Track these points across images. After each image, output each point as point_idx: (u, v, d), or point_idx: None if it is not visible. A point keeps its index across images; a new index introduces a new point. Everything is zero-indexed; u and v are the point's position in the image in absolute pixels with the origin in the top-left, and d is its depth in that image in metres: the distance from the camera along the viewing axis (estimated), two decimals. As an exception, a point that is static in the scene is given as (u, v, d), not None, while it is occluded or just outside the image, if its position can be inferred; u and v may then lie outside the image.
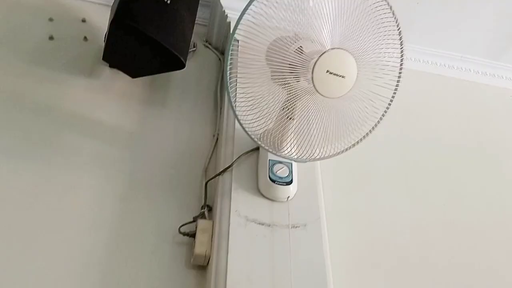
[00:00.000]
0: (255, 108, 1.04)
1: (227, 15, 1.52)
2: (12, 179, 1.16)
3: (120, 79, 1.40)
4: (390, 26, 1.02)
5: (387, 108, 1.07)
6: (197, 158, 1.30)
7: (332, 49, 0.96)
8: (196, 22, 1.64)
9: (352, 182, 1.35)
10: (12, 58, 1.39)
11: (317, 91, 0.98)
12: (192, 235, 1.10)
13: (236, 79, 1.02)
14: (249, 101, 1.03)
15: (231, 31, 0.97)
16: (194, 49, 1.58)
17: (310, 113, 1.05)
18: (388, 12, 1.00)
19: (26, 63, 1.39)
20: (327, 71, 0.96)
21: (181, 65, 1.28)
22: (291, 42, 1.00)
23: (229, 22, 1.51)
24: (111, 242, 1.10)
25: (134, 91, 1.42)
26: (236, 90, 1.02)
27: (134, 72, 1.35)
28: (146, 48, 1.25)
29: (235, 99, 1.03)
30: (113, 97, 1.39)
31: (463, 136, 1.60)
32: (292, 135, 1.09)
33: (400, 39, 1.03)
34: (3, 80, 1.33)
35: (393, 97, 1.06)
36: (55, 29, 1.50)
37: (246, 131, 1.06)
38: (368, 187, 1.36)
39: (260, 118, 1.05)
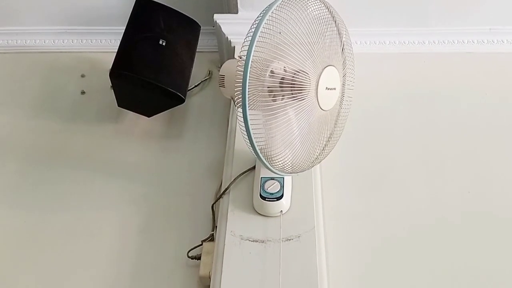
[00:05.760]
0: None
1: (230, 41, 1.59)
2: (53, 219, 1.35)
3: (141, 120, 1.53)
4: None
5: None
6: (210, 182, 1.38)
7: (325, 67, 1.00)
8: (208, 50, 1.74)
9: (361, 182, 1.35)
10: (50, 116, 1.60)
11: (320, 107, 1.02)
12: (199, 258, 1.19)
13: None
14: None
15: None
16: (209, 76, 1.67)
17: (305, 125, 1.04)
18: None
19: (62, 119, 1.59)
20: (326, 88, 1.01)
21: (181, 100, 1.38)
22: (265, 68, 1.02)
23: (234, 47, 1.58)
24: (132, 272, 1.23)
25: (154, 129, 1.54)
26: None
27: (147, 112, 1.48)
28: (147, 90, 1.37)
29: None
30: (136, 138, 1.53)
31: (497, 117, 1.50)
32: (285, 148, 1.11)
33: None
34: (43, 138, 1.54)
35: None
36: (86, 84, 1.69)
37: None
38: (380, 186, 1.34)
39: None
